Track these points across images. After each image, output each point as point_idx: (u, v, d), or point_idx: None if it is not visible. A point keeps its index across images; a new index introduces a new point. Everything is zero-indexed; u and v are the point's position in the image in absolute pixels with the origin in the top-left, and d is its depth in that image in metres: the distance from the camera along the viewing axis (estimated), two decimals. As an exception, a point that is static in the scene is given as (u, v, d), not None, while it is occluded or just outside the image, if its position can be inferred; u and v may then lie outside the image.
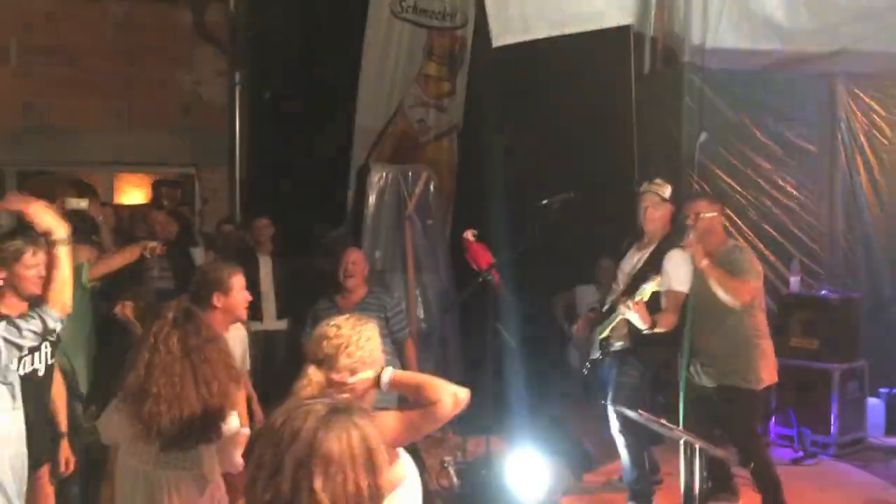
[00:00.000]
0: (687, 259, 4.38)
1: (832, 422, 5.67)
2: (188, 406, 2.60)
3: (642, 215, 4.55)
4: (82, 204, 6.29)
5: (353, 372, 2.33)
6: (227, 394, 2.71)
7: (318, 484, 1.48)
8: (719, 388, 4.40)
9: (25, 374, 3.29)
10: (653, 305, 4.28)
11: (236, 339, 3.80)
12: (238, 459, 2.76)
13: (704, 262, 4.19)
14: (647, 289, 4.08)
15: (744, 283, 4.24)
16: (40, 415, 3.45)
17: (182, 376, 2.62)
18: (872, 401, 6.09)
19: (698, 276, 4.31)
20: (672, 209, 4.57)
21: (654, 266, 4.40)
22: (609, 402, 4.44)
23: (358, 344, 2.36)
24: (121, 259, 4.63)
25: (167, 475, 2.65)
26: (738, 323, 4.33)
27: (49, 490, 3.55)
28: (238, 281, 3.49)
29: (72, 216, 6.29)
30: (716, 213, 4.45)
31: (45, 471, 3.54)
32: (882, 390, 6.24)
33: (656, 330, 4.25)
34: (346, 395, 2.26)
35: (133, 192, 9.27)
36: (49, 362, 3.46)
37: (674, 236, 4.51)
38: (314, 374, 2.32)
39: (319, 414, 1.54)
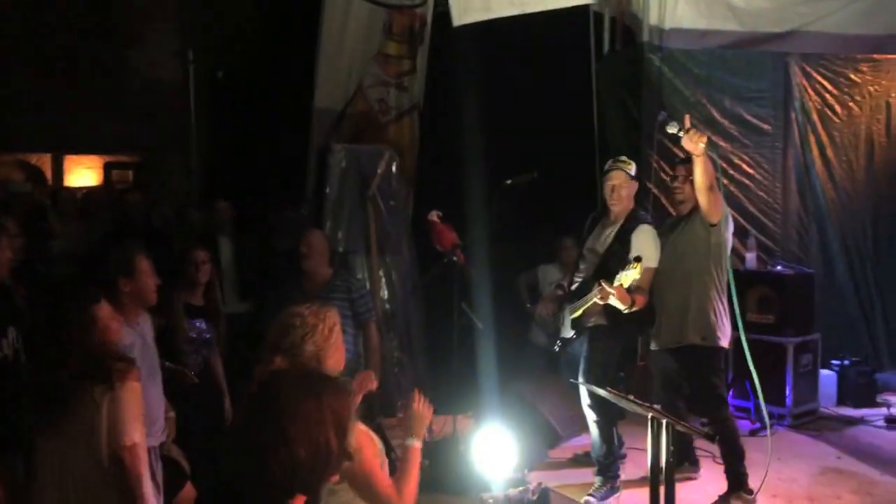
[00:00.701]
0: (654, 235, 4.48)
1: (787, 393, 5.84)
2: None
3: (609, 193, 4.55)
4: (26, 187, 6.13)
5: (319, 360, 2.36)
6: None
7: (292, 435, 1.65)
8: (679, 350, 4.43)
9: None
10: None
11: (150, 330, 3.58)
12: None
13: (701, 147, 4.09)
14: (629, 276, 4.03)
15: (719, 195, 4.31)
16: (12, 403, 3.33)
17: None
18: (825, 372, 6.29)
19: (669, 237, 4.47)
20: (636, 185, 4.62)
21: (622, 244, 4.45)
22: (581, 377, 4.47)
23: (322, 332, 2.40)
24: None
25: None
26: (698, 280, 4.38)
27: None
28: (144, 263, 3.41)
29: (14, 199, 6.15)
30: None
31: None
32: (833, 362, 6.44)
33: (634, 308, 4.28)
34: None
35: (84, 175, 9.06)
36: (17, 347, 3.38)
37: (638, 212, 4.59)
38: (279, 363, 2.33)
39: (295, 379, 1.77)
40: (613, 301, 4.17)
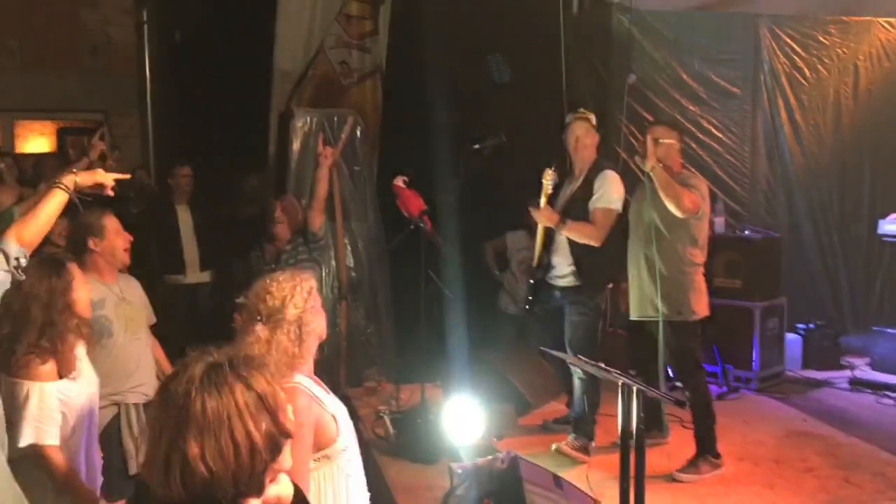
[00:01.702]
0: (618, 180, 4.50)
1: (754, 357, 5.86)
2: None
3: (573, 145, 4.55)
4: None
5: (301, 323, 2.29)
6: None
7: (192, 451, 1.37)
8: (654, 322, 4.34)
9: None
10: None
11: (132, 292, 3.66)
12: None
13: (651, 164, 4.11)
14: (544, 186, 4.48)
15: (689, 193, 4.18)
16: None
17: None
18: (790, 336, 6.33)
19: (634, 206, 4.40)
20: (597, 137, 4.63)
21: (585, 191, 4.48)
22: (567, 341, 4.50)
23: (302, 295, 2.32)
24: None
25: None
26: (671, 252, 4.28)
27: None
28: (112, 222, 3.49)
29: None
30: (673, 141, 4.38)
31: None
32: (799, 326, 6.48)
33: (588, 242, 4.42)
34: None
35: (37, 141, 8.75)
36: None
37: (602, 161, 4.61)
38: (261, 332, 2.25)
39: (195, 374, 1.43)
40: (544, 222, 4.50)
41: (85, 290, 2.87)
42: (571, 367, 4.53)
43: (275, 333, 2.26)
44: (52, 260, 2.82)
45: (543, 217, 4.51)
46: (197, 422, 1.38)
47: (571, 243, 4.47)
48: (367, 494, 2.46)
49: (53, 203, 2.68)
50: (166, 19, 8.15)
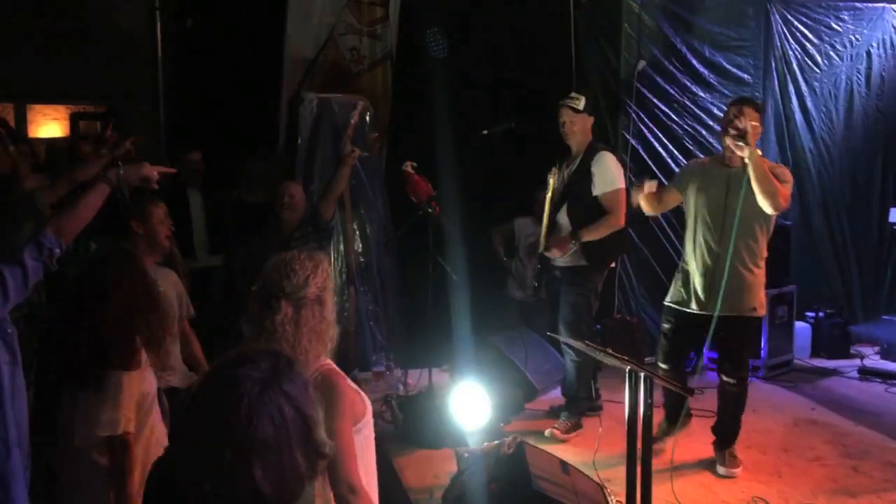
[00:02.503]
0: (614, 159, 4.54)
1: (762, 345, 5.84)
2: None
3: (562, 131, 4.60)
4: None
5: (321, 302, 2.32)
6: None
7: (257, 473, 1.38)
8: (726, 318, 4.01)
9: None
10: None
11: (168, 283, 3.74)
12: None
13: (749, 151, 3.79)
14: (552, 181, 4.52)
15: (783, 188, 3.89)
16: None
17: None
18: (799, 324, 6.31)
19: (709, 195, 4.06)
20: (590, 119, 4.62)
21: (582, 174, 4.52)
22: (560, 320, 4.53)
23: (322, 275, 2.36)
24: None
25: None
26: (749, 246, 4.03)
27: None
28: (158, 210, 3.63)
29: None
30: (758, 124, 3.99)
31: None
32: (808, 314, 6.46)
33: (612, 230, 4.44)
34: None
35: (50, 126, 8.80)
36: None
37: (596, 143, 4.62)
38: (287, 309, 2.26)
39: (252, 394, 1.41)
40: (559, 253, 4.48)
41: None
42: (564, 348, 4.56)
43: (300, 311, 2.27)
44: (128, 255, 2.84)
45: (557, 251, 4.47)
46: (257, 446, 1.38)
47: (574, 225, 4.50)
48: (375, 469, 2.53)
49: (96, 196, 2.72)
50: (178, 5, 8.15)
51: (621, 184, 4.50)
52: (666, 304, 4.33)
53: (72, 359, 2.62)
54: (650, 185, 4.30)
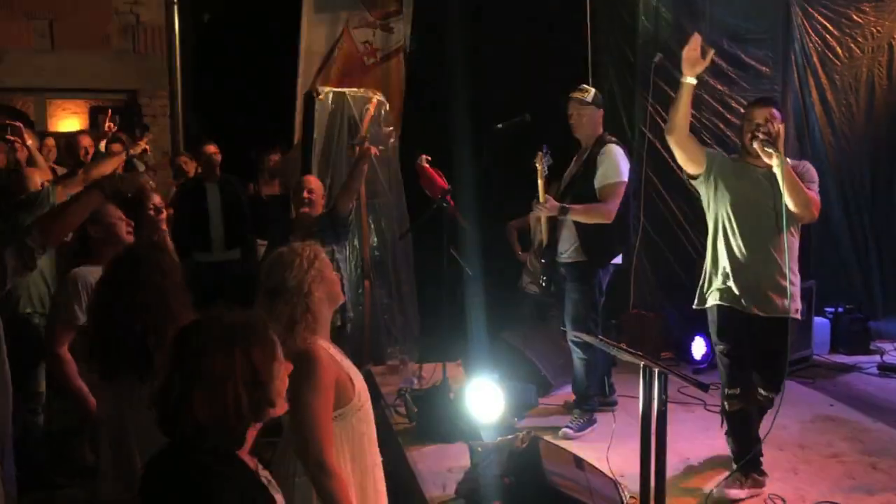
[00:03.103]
0: (621, 152, 4.48)
1: (780, 341, 5.78)
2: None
3: (571, 124, 4.59)
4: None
5: (305, 293, 2.34)
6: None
7: (196, 400, 1.61)
8: (769, 320, 3.79)
9: None
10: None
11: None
12: None
13: (777, 160, 3.57)
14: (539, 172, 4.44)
15: (815, 198, 3.72)
16: None
17: None
18: (818, 320, 6.24)
19: (748, 190, 3.77)
20: (599, 112, 4.60)
21: (587, 167, 4.49)
22: (565, 315, 4.52)
23: (301, 266, 2.37)
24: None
25: None
26: (789, 246, 3.76)
27: None
28: (110, 209, 3.46)
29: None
30: (782, 125, 3.79)
31: None
32: (827, 309, 6.39)
33: (598, 221, 4.37)
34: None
35: (70, 120, 8.88)
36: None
37: (604, 135, 4.58)
38: (262, 304, 2.34)
39: (211, 336, 1.68)
40: (545, 213, 4.44)
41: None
42: (571, 345, 4.53)
43: (276, 304, 2.33)
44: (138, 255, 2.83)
45: (545, 210, 4.47)
46: (204, 376, 1.62)
47: (575, 220, 4.47)
48: (378, 452, 2.54)
49: (87, 202, 2.73)
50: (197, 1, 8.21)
51: (623, 177, 4.45)
52: (714, 304, 3.88)
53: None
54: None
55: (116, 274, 2.70)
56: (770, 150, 3.61)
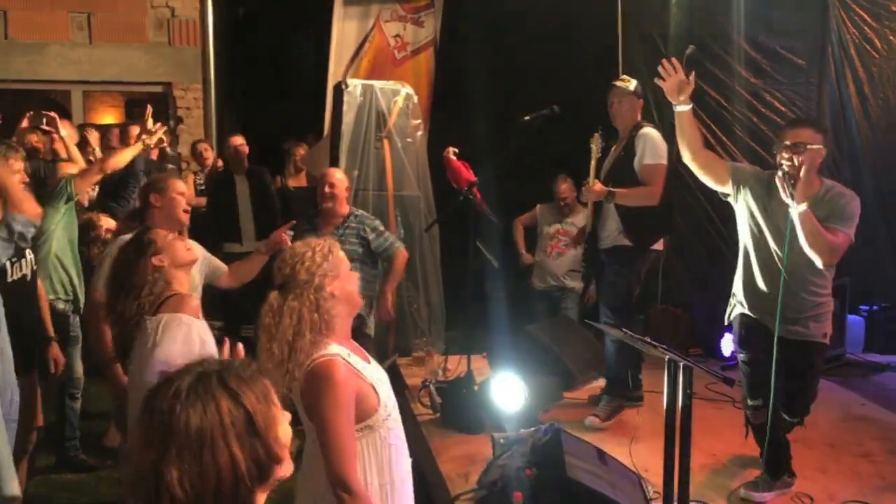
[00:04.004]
0: (658, 135, 4.48)
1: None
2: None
3: (610, 113, 4.62)
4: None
5: (319, 288, 2.25)
6: None
7: (171, 474, 1.23)
8: (792, 342, 3.58)
9: (15, 280, 3.56)
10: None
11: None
12: None
13: (803, 208, 3.32)
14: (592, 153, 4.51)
15: (836, 236, 3.42)
16: (32, 319, 3.78)
17: None
18: (852, 318, 6.13)
19: (771, 205, 3.55)
20: (639, 102, 4.63)
21: (627, 151, 4.51)
22: (603, 304, 4.55)
23: (315, 259, 2.27)
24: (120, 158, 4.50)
25: None
26: (819, 267, 3.52)
27: (37, 392, 3.86)
28: (175, 185, 3.69)
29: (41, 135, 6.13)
30: (821, 146, 3.47)
31: (34, 375, 3.80)
32: (862, 307, 6.27)
33: (645, 203, 4.36)
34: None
35: (107, 112, 9.02)
36: (34, 268, 3.73)
37: (641, 121, 4.60)
38: (274, 300, 2.25)
39: (182, 386, 1.29)
40: (593, 198, 4.47)
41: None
42: (604, 328, 4.50)
43: (286, 300, 2.23)
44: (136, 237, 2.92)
45: (592, 193, 4.52)
46: (179, 440, 1.25)
47: (618, 205, 4.48)
48: (409, 461, 2.44)
49: None
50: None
51: (662, 159, 4.46)
52: (738, 314, 3.79)
53: None
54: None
55: (126, 254, 2.78)
56: (788, 192, 3.33)
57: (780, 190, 3.39)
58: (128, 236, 3.22)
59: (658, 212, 4.49)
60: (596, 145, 4.59)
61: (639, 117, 4.64)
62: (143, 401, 1.33)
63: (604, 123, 4.73)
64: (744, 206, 3.66)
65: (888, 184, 6.52)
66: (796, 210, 3.34)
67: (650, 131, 4.51)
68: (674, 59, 3.59)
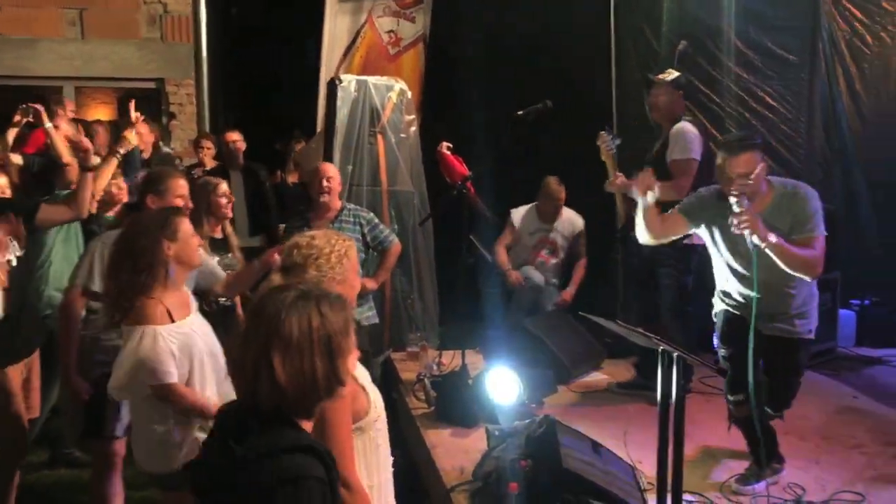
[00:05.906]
0: (692, 129, 4.48)
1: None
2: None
3: (649, 109, 4.65)
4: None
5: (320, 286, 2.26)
6: None
7: (276, 362, 1.60)
8: (776, 339, 3.60)
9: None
10: None
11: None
12: None
13: (772, 240, 3.23)
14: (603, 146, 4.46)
15: (813, 247, 3.34)
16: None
17: None
18: (845, 312, 6.17)
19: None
20: (678, 93, 4.63)
21: (665, 148, 4.52)
22: (663, 307, 4.57)
23: (329, 259, 2.26)
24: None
25: None
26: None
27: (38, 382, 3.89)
28: (176, 188, 3.61)
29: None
30: (763, 165, 3.35)
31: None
32: (853, 301, 6.31)
33: (673, 198, 4.06)
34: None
35: (99, 109, 8.99)
36: (18, 253, 3.66)
37: (681, 116, 4.60)
38: (276, 280, 2.24)
39: (287, 298, 1.67)
40: (617, 189, 4.46)
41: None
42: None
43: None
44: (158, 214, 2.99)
45: (614, 186, 4.49)
46: (283, 340, 1.62)
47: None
48: (391, 460, 2.44)
49: None
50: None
51: (692, 154, 4.44)
52: (720, 309, 3.80)
53: None
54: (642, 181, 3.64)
55: (141, 225, 2.83)
56: (739, 224, 3.21)
57: (739, 229, 3.25)
58: (114, 233, 3.22)
59: None
60: (603, 143, 4.54)
61: (678, 110, 4.64)
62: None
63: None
64: (706, 234, 3.66)
65: (879, 180, 6.56)
66: (765, 247, 3.25)
67: (683, 125, 4.52)
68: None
